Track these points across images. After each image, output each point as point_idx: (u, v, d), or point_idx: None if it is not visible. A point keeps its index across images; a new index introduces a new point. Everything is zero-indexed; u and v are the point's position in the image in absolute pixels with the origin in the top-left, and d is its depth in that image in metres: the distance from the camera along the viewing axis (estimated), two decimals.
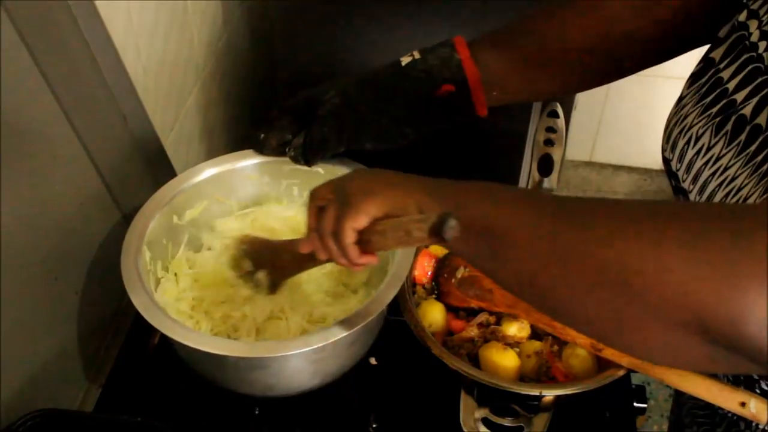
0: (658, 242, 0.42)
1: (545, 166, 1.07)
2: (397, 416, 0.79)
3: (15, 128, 0.65)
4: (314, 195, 0.64)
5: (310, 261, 0.68)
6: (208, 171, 0.83)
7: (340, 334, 0.66)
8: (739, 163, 0.57)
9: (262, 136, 0.80)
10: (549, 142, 1.08)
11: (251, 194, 0.88)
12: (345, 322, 0.67)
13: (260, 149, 0.82)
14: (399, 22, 0.99)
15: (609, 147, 2.18)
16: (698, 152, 0.61)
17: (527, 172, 1.12)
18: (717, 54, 0.62)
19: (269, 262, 0.74)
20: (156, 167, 0.89)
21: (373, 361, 0.82)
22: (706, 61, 0.64)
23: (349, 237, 0.58)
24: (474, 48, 0.73)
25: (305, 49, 1.04)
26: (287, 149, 0.79)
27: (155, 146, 0.88)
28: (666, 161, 0.67)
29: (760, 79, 0.57)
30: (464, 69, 0.72)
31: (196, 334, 0.69)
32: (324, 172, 0.82)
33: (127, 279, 0.71)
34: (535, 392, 0.73)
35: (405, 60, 0.75)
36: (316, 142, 0.76)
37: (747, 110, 0.57)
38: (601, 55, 0.73)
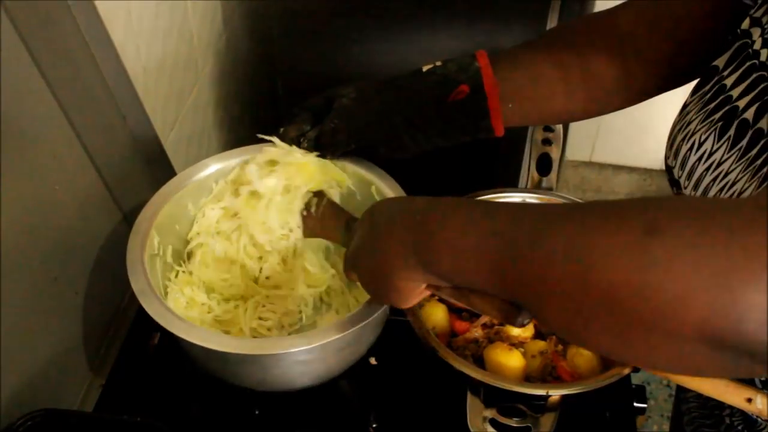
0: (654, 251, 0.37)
1: (544, 165, 1.07)
2: (397, 416, 0.79)
3: (15, 128, 0.65)
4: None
5: None
6: (223, 163, 0.83)
7: (329, 337, 0.65)
8: (739, 168, 0.57)
9: (282, 129, 0.81)
10: (547, 142, 1.08)
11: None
12: (337, 326, 0.66)
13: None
14: (399, 21, 0.99)
15: (609, 147, 2.18)
16: (700, 158, 0.61)
17: (527, 171, 1.12)
18: (720, 62, 0.62)
19: None
20: (156, 167, 0.89)
21: (373, 361, 0.82)
22: (710, 69, 0.64)
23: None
24: (494, 59, 0.74)
25: (305, 48, 1.04)
26: (301, 140, 0.79)
27: (155, 146, 0.88)
28: (669, 169, 0.67)
29: (762, 85, 0.57)
30: (482, 75, 0.72)
31: (184, 323, 0.67)
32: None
33: (130, 263, 0.71)
34: (542, 392, 0.73)
35: (426, 67, 0.76)
36: (327, 134, 0.76)
37: (749, 114, 0.57)
38: (619, 78, 0.73)
